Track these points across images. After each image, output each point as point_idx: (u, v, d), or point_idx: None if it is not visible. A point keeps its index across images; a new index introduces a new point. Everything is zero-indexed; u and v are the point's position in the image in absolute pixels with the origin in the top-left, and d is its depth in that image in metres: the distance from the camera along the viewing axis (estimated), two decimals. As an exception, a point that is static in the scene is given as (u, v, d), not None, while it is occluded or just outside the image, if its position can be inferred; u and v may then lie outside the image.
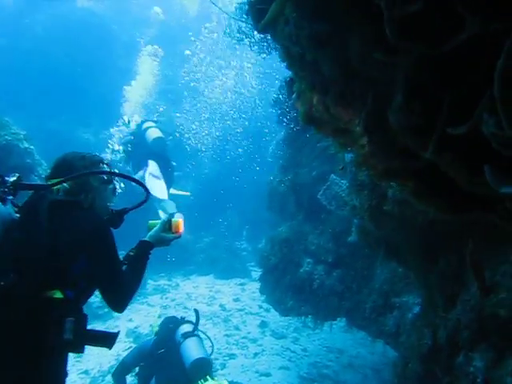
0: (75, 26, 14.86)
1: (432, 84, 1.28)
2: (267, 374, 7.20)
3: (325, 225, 6.62)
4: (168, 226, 2.66)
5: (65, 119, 13.30)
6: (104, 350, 2.33)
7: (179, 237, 2.70)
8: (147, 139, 9.57)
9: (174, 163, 10.12)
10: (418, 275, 3.39)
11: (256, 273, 12.77)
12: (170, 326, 5.22)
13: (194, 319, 5.19)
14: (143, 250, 2.54)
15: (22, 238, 2.01)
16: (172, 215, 2.82)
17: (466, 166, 1.31)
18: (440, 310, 3.04)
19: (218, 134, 16.09)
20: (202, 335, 5.22)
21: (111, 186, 2.51)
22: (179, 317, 5.56)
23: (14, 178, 2.10)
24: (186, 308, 9.73)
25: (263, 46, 6.99)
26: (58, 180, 2.22)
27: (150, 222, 2.67)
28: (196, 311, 5.26)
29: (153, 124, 9.95)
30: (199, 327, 5.13)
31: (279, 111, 7.36)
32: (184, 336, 4.84)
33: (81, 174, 2.27)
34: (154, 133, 9.63)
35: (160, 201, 9.24)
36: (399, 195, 2.86)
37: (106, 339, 2.21)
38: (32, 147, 6.70)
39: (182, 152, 14.80)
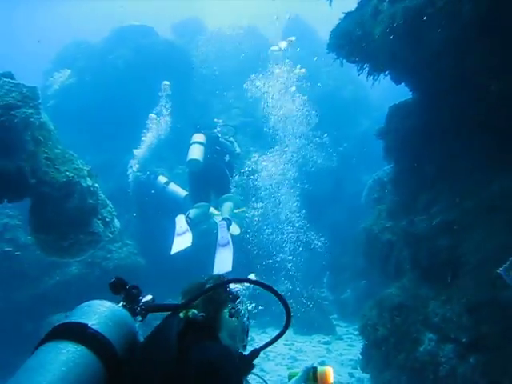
0: (155, 59, 14.59)
1: None
2: None
3: (452, 290, 5.08)
4: (312, 375, 2.11)
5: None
6: None
7: None
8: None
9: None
10: None
11: (341, 328, 11.20)
12: None
13: None
14: None
15: (144, 361, 1.72)
16: (318, 364, 2.23)
17: None
18: None
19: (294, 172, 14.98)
20: None
21: (245, 322, 2.14)
22: None
23: (148, 299, 1.98)
24: (262, 371, 8.39)
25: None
26: (185, 301, 1.98)
27: (291, 371, 2.21)
28: None
29: (200, 137, 9.01)
30: None
31: (387, 143, 6.02)
32: None
33: (207, 289, 2.01)
34: (190, 152, 8.81)
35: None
36: None
37: None
38: (96, 185, 5.71)
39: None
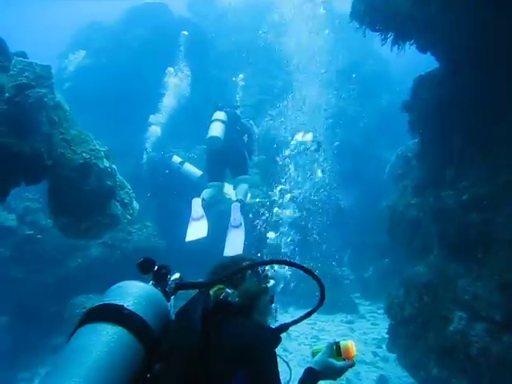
0: (171, 37, 14.32)
1: None
2: None
3: (484, 267, 4.88)
4: (336, 350, 2.16)
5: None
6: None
7: (353, 365, 2.13)
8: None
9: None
10: None
11: (364, 307, 11.06)
12: None
13: None
14: (309, 382, 2.05)
15: (172, 341, 1.72)
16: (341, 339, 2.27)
17: None
18: None
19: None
20: None
21: (269, 298, 2.07)
22: None
23: (176, 277, 1.98)
24: (285, 350, 8.35)
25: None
26: (215, 278, 1.96)
27: (314, 348, 2.22)
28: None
29: (222, 115, 8.82)
30: None
31: (413, 116, 5.76)
32: None
33: (240, 268, 1.96)
34: (211, 129, 8.62)
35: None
36: None
37: None
38: (114, 166, 5.59)
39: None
